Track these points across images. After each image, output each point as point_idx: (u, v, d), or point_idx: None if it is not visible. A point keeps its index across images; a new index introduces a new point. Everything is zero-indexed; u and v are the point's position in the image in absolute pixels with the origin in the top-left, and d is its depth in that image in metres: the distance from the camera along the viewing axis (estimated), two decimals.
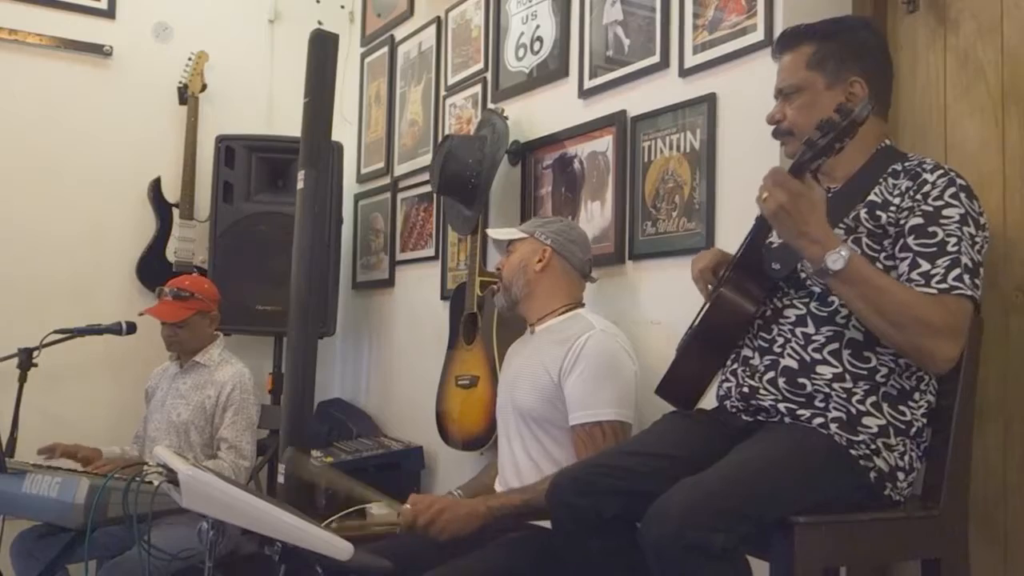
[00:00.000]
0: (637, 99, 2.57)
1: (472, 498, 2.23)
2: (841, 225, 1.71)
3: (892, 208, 1.68)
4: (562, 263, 2.34)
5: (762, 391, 1.74)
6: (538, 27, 2.98)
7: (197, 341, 3.09)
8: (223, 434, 2.94)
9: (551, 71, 2.91)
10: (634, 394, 2.19)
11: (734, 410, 1.81)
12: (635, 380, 2.20)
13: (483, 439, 2.70)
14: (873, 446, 1.63)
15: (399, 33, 3.81)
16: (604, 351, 2.17)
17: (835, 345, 1.69)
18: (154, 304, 3.10)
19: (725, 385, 1.84)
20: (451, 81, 3.43)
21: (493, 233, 2.49)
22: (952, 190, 1.65)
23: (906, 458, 1.66)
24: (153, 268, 3.43)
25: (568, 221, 2.48)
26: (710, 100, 2.32)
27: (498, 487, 2.32)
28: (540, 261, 2.32)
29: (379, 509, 2.98)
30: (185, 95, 3.79)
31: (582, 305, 2.37)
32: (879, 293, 1.58)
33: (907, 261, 1.64)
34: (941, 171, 1.68)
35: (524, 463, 2.22)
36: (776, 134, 1.85)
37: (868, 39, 1.84)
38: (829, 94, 1.76)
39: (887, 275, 1.65)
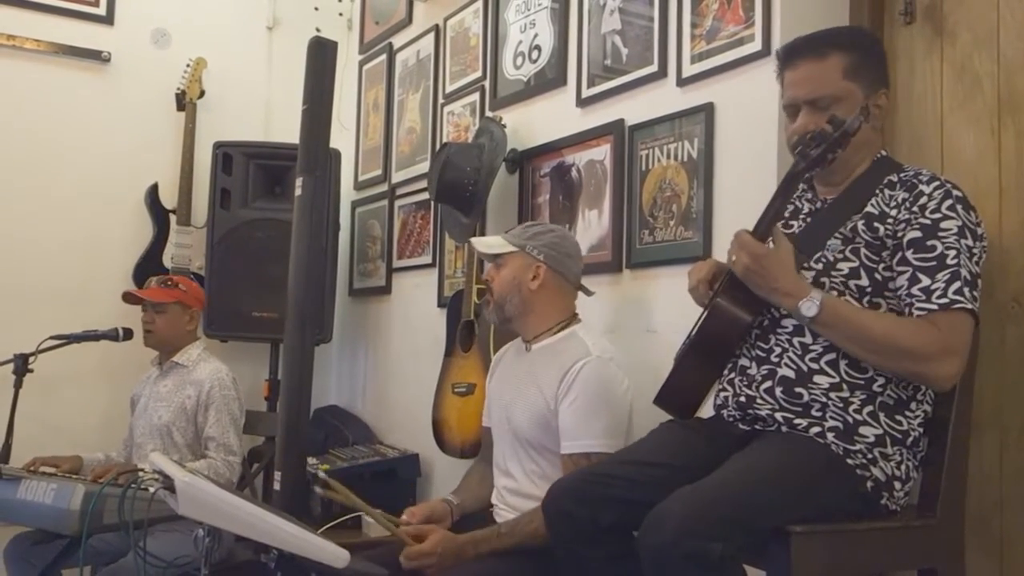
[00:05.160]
0: (635, 108, 2.58)
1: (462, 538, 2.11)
2: (837, 235, 1.72)
3: (889, 220, 1.69)
4: (557, 279, 2.25)
5: (759, 400, 1.74)
6: (536, 36, 2.99)
7: (173, 333, 3.08)
8: (209, 433, 2.94)
9: (549, 80, 2.91)
10: (626, 421, 2.15)
11: (731, 419, 1.81)
12: (629, 406, 2.15)
13: (481, 446, 2.69)
14: (870, 455, 1.64)
15: (397, 41, 3.82)
16: (598, 380, 2.11)
17: (832, 355, 1.69)
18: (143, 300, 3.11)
19: (722, 394, 1.85)
20: (449, 89, 3.43)
21: (478, 244, 2.33)
22: (949, 202, 1.65)
23: (903, 467, 1.67)
24: (150, 274, 3.41)
25: (560, 231, 2.37)
26: (708, 109, 2.33)
27: (495, 501, 2.28)
28: (535, 279, 2.22)
29: (377, 517, 2.97)
30: (183, 101, 3.79)
31: (577, 319, 2.29)
32: (860, 330, 1.62)
33: (907, 275, 1.64)
34: (937, 183, 1.69)
35: (524, 483, 2.19)
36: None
37: (883, 50, 1.85)
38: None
39: (865, 310, 1.67)
